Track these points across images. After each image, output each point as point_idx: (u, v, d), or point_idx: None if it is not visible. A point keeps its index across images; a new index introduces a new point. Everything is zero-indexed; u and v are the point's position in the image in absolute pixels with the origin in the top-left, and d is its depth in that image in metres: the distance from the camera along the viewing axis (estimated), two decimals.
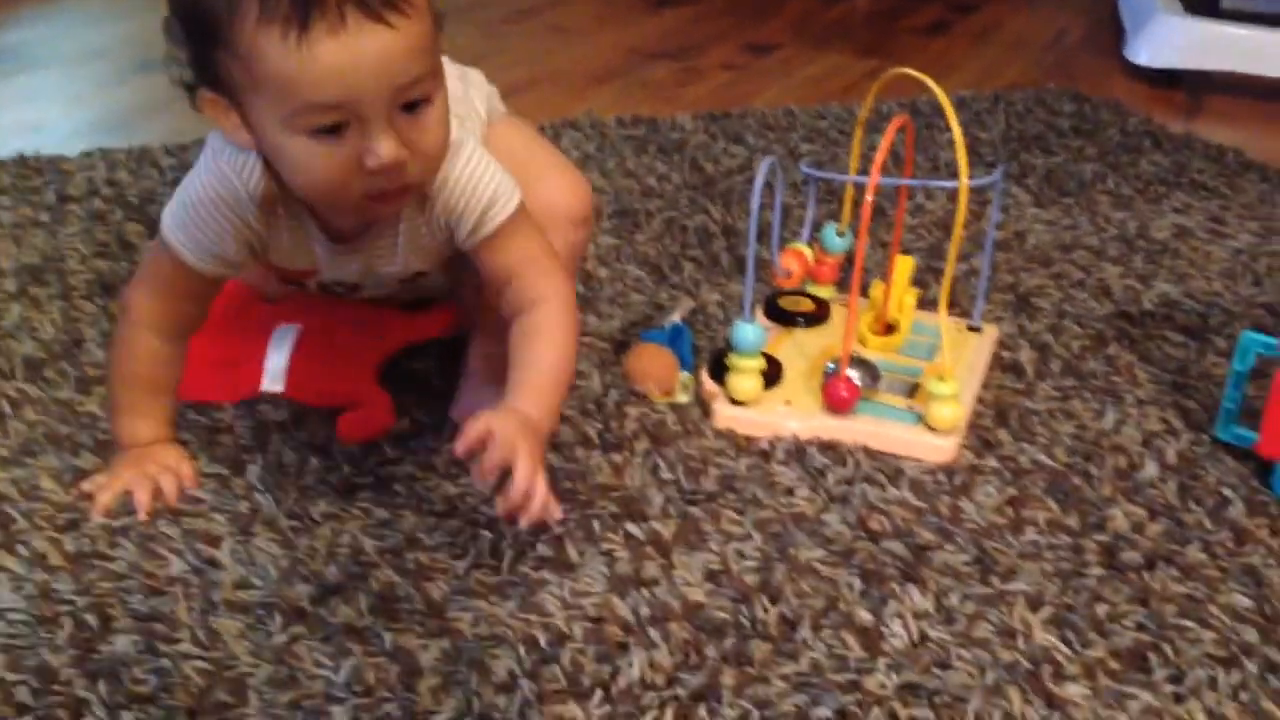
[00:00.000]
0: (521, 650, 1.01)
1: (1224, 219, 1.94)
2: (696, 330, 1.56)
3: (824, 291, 1.52)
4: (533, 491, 1.02)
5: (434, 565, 1.11)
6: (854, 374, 1.28)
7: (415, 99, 1.00)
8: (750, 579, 1.09)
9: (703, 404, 1.39)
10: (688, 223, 1.88)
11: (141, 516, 1.11)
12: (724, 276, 1.71)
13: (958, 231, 1.24)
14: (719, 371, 1.39)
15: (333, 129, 0.98)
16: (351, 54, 0.95)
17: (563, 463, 1.30)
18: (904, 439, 1.26)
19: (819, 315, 1.49)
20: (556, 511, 1.07)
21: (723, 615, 1.05)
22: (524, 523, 1.05)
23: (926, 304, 1.51)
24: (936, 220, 1.84)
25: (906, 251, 1.66)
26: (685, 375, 1.43)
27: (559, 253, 1.21)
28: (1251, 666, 1.03)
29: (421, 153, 1.03)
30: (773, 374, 1.34)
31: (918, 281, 1.53)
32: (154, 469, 1.14)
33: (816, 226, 1.55)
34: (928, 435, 1.25)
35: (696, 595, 1.07)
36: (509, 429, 1.03)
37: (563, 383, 1.15)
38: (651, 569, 1.10)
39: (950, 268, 1.28)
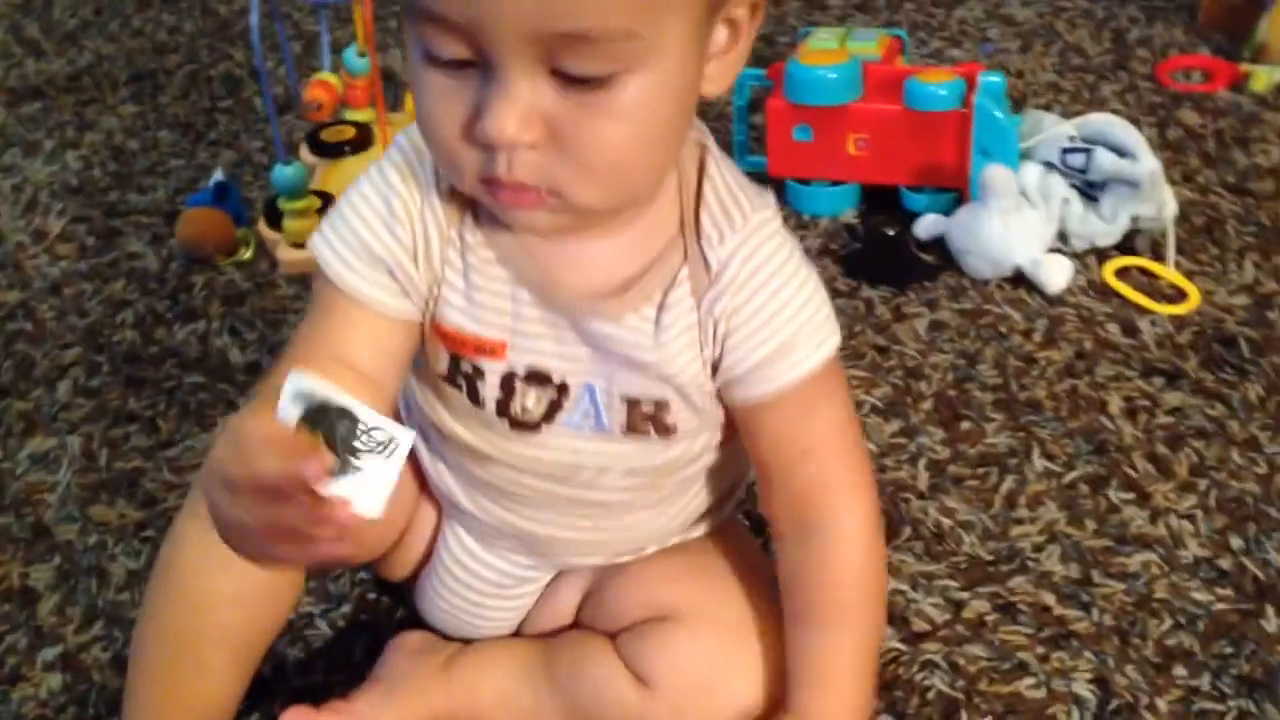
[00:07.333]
0: None
1: None
2: (245, 181, 1.51)
3: (362, 115, 1.47)
4: None
5: None
6: None
7: (585, 70, 0.64)
8: None
9: (268, 255, 1.33)
10: (212, 73, 1.82)
11: None
12: (262, 121, 1.66)
13: None
14: (275, 218, 1.33)
15: (456, 65, 0.66)
16: None
17: (144, 344, 1.25)
18: None
19: (362, 141, 1.45)
20: None
21: None
22: None
23: None
24: None
25: None
26: (242, 231, 1.37)
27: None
28: None
29: (579, 155, 0.66)
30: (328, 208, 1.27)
31: None
32: None
33: (337, 51, 1.46)
34: None
35: None
36: None
37: (873, 657, 0.82)
38: None
39: None
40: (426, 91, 0.68)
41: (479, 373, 0.78)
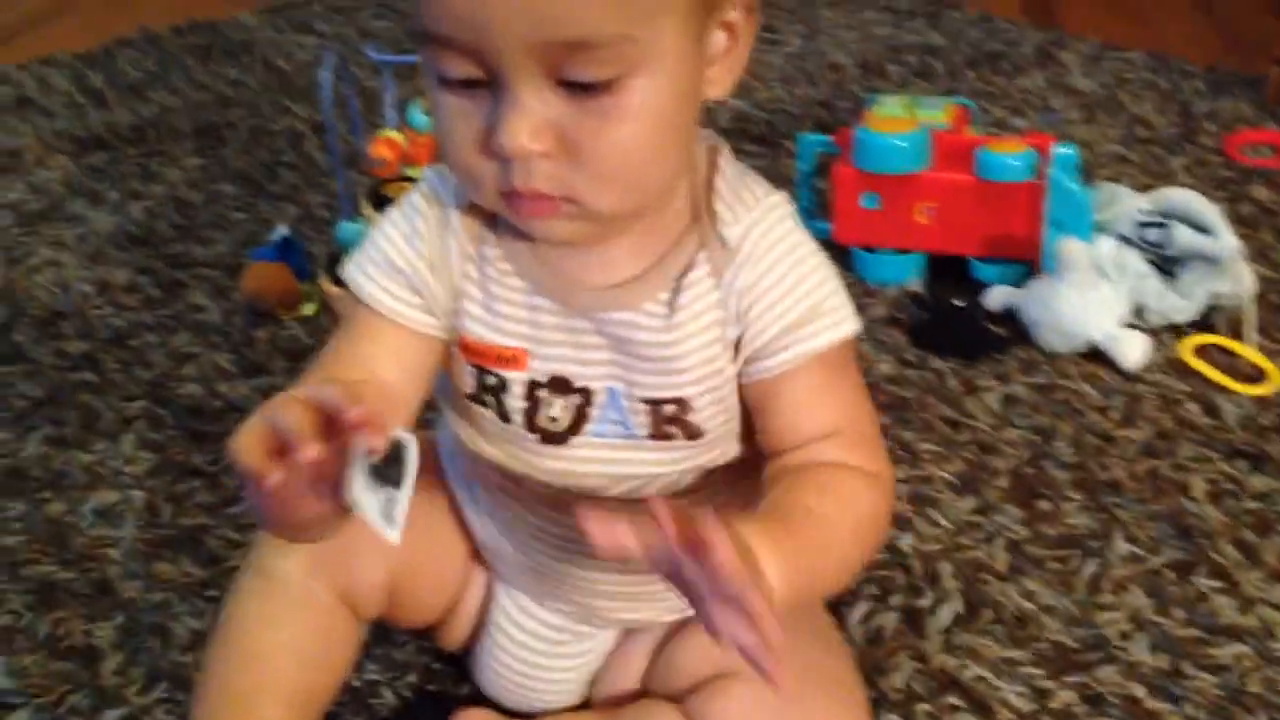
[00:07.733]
0: None
1: (774, 26, 2.11)
2: (308, 236, 1.51)
3: None
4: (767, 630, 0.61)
5: None
6: None
7: (588, 76, 0.66)
8: None
9: (331, 310, 1.31)
10: (274, 127, 1.83)
11: None
12: (324, 176, 1.67)
13: None
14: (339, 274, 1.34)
15: (468, 85, 0.68)
16: None
17: (207, 397, 1.23)
18: None
19: None
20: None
21: None
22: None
23: None
24: None
25: None
26: (306, 285, 1.37)
27: None
28: None
29: (591, 160, 0.69)
30: None
31: None
32: None
33: (401, 108, 1.44)
34: None
35: None
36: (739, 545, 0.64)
37: (843, 555, 0.74)
38: None
39: None
40: (443, 112, 0.71)
41: (503, 385, 0.80)
